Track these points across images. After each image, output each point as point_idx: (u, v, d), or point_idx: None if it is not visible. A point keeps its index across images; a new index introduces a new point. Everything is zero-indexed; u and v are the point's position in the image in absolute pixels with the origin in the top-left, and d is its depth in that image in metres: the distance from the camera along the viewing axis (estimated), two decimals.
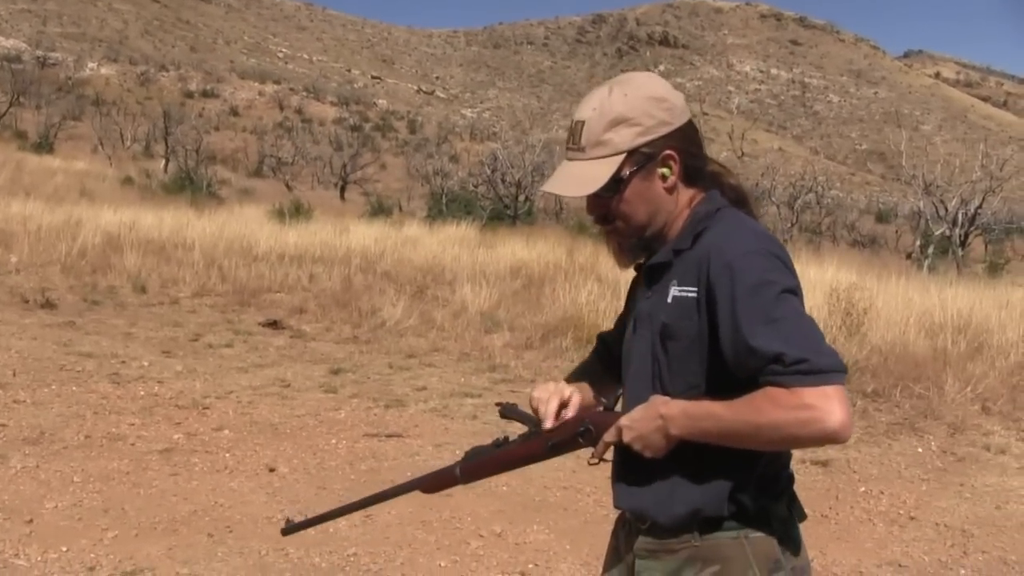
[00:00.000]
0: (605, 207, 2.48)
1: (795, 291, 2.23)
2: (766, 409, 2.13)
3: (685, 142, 2.45)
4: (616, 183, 2.43)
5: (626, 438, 2.38)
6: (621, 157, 2.42)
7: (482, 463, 2.65)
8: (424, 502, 6.95)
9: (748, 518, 2.38)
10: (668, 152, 2.42)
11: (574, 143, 2.48)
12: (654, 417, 2.32)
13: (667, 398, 2.34)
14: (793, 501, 2.50)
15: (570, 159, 2.49)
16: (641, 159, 2.42)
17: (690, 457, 2.33)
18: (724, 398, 2.24)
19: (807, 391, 2.09)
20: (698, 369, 2.35)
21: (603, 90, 2.49)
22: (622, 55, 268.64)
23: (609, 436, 2.42)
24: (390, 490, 2.83)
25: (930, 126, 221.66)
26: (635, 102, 2.42)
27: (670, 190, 2.46)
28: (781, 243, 2.33)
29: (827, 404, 2.08)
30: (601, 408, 2.53)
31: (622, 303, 2.71)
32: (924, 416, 10.19)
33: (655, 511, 2.44)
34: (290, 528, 3.01)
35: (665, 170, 2.44)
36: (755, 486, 2.37)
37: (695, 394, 2.33)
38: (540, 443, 2.54)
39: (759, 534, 2.38)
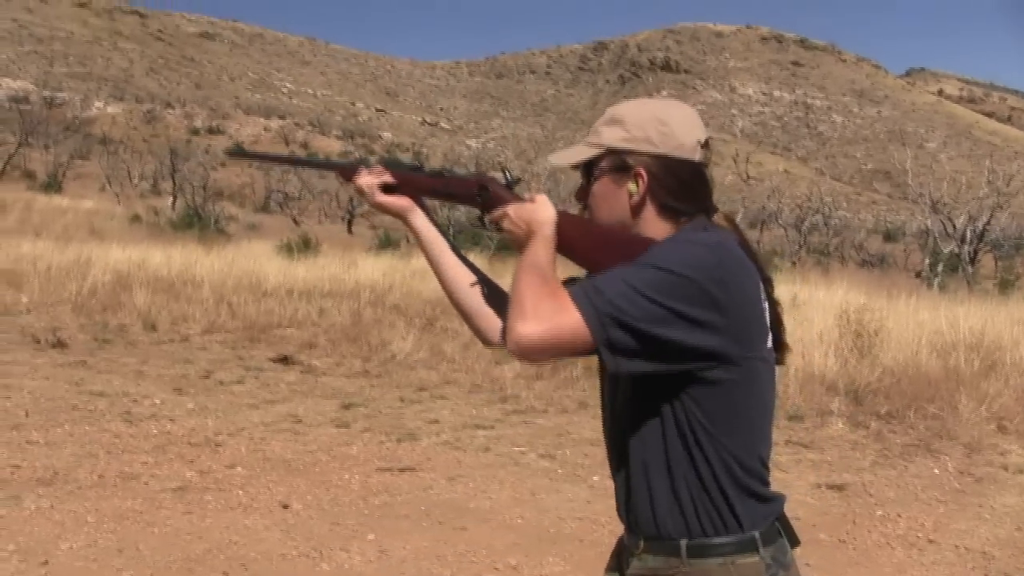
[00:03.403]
0: (584, 196, 2.59)
1: (670, 271, 2.23)
2: (544, 290, 2.26)
3: (665, 174, 2.45)
4: (588, 171, 2.54)
5: (504, 224, 2.58)
6: (600, 151, 2.50)
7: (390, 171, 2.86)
8: (438, 536, 6.93)
9: (737, 542, 2.38)
10: (639, 170, 2.44)
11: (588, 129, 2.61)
12: (526, 224, 2.50)
13: (551, 217, 2.49)
14: (784, 525, 2.49)
15: (582, 140, 2.60)
16: (617, 162, 2.47)
17: (673, 480, 2.39)
18: (653, 402, 2.37)
19: (566, 298, 2.24)
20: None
21: (641, 99, 2.62)
22: (624, 81, 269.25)
23: (496, 215, 2.62)
24: (316, 161, 3.41)
25: (935, 143, 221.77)
26: (639, 112, 2.49)
27: (634, 210, 2.47)
28: (730, 278, 2.29)
29: (555, 317, 2.21)
30: (504, 181, 2.69)
31: None
32: (939, 437, 10.14)
33: (647, 529, 2.46)
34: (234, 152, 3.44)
35: (633, 186, 2.46)
36: (734, 502, 2.38)
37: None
38: (441, 183, 2.79)
39: (748, 560, 2.38)
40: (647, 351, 2.23)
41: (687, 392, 2.31)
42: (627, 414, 2.46)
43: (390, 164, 2.86)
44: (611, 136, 2.48)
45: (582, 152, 2.54)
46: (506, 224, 2.56)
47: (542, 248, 2.40)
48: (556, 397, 11.58)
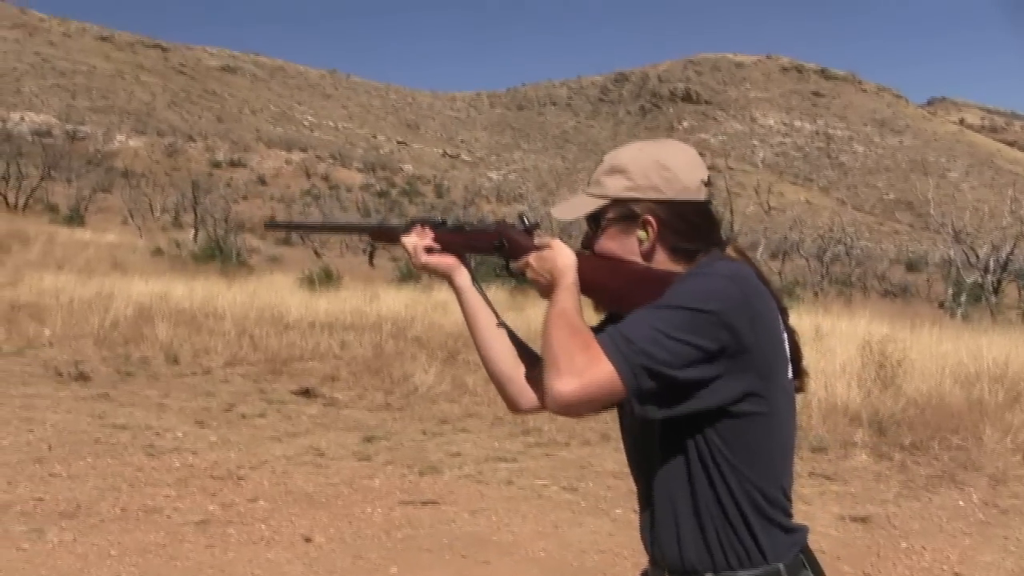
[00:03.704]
0: (592, 245, 2.58)
1: (693, 309, 2.23)
2: (575, 342, 2.25)
3: (673, 218, 2.45)
4: (596, 222, 2.54)
5: (528, 275, 2.60)
6: (606, 201, 2.50)
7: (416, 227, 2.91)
8: (461, 569, 6.92)
9: (762, 575, 2.37)
10: (647, 217, 2.45)
11: (590, 177, 2.60)
12: (548, 273, 2.52)
13: (572, 261, 2.50)
14: (808, 556, 2.48)
15: (583, 190, 2.61)
16: (623, 212, 2.48)
17: (697, 513, 2.39)
18: (678, 436, 2.37)
19: (597, 350, 2.21)
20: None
21: (636, 143, 2.57)
22: (645, 112, 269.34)
23: (519, 266, 2.64)
24: (350, 225, 3.53)
25: (957, 173, 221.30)
26: (640, 159, 2.48)
27: (647, 256, 2.48)
28: (753, 309, 2.31)
29: (588, 371, 2.19)
30: (522, 227, 2.71)
31: None
32: (964, 468, 10.09)
33: (672, 562, 2.45)
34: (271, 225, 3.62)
35: (642, 233, 2.47)
36: (759, 534, 2.37)
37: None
38: (464, 237, 2.81)
39: None
40: (677, 396, 2.24)
41: (712, 426, 2.31)
42: (652, 449, 2.45)
43: (416, 221, 2.89)
44: (615, 186, 2.49)
45: (587, 204, 2.54)
46: (529, 274, 2.57)
47: (567, 297, 2.39)
48: (578, 430, 11.55)
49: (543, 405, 2.56)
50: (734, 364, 2.24)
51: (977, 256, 34.89)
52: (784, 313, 2.45)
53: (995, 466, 10.08)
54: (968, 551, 7.75)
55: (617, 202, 2.48)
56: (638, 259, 2.47)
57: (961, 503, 9.05)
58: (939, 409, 11.89)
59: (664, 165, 2.45)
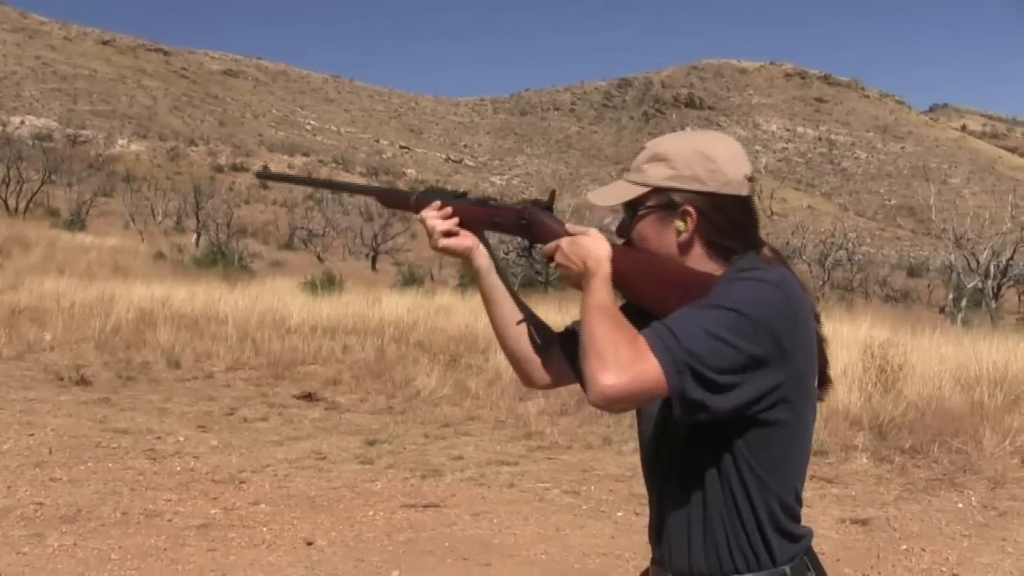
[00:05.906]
0: (628, 233, 2.54)
1: (741, 313, 2.21)
2: (620, 335, 2.21)
3: (713, 211, 2.41)
4: (634, 210, 2.49)
5: (557, 259, 2.52)
6: (646, 190, 2.45)
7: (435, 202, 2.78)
8: (463, 572, 6.93)
9: None
10: (687, 208, 2.41)
11: (630, 164, 2.56)
12: (581, 261, 2.45)
13: (607, 253, 2.44)
14: (812, 559, 2.49)
15: (622, 177, 2.57)
16: (663, 200, 2.43)
17: (711, 518, 2.38)
18: (704, 442, 2.36)
19: (643, 345, 2.18)
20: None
21: (680, 132, 2.59)
22: (649, 118, 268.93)
23: (548, 249, 2.57)
24: (354, 186, 3.26)
25: (958, 179, 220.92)
26: (683, 148, 2.44)
27: (683, 248, 2.44)
28: (796, 317, 2.29)
29: (633, 364, 2.16)
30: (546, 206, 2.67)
31: None
32: (963, 471, 10.10)
33: (679, 565, 2.46)
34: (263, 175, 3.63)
35: (681, 224, 2.42)
36: (771, 540, 2.37)
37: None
38: (486, 212, 2.71)
39: None
40: (716, 399, 2.22)
41: (739, 432, 2.31)
42: (674, 453, 2.45)
43: (433, 194, 2.78)
44: (656, 174, 2.44)
45: (627, 191, 2.49)
46: (559, 259, 2.51)
47: (604, 289, 2.36)
48: (580, 433, 11.56)
49: (558, 383, 2.61)
50: (773, 371, 2.23)
51: (978, 262, 34.88)
52: (818, 319, 2.44)
53: (994, 469, 10.09)
54: (967, 553, 7.76)
55: (658, 190, 2.44)
56: (674, 250, 2.44)
57: (960, 506, 9.06)
58: (939, 413, 11.90)
59: (708, 156, 2.42)
